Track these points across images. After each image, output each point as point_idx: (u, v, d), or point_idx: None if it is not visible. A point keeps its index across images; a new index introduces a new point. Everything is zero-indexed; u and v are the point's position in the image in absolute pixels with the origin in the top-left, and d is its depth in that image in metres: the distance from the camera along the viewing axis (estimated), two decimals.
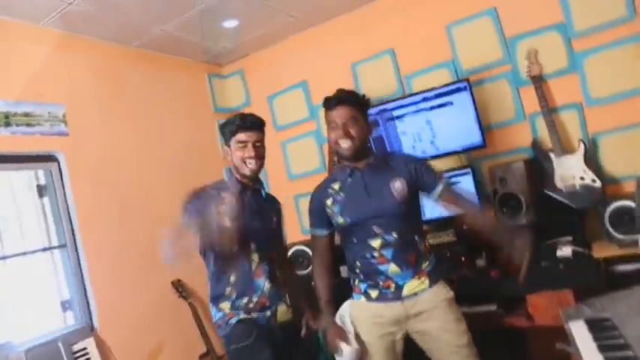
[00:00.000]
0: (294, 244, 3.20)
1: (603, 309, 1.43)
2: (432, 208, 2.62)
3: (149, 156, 3.19)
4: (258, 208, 2.11)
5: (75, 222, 2.70)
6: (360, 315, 1.99)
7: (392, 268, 1.91)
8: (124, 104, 3.09)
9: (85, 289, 2.70)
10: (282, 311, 2.08)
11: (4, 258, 2.53)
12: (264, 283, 2.04)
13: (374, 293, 1.95)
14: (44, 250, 2.68)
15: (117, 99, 3.05)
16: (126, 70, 3.17)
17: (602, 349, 1.22)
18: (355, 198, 1.96)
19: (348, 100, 1.94)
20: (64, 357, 2.41)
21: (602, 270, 2.33)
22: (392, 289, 1.92)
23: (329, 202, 2.02)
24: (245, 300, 2.01)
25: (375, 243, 1.92)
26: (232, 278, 2.01)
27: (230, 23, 3.21)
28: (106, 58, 3.05)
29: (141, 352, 2.84)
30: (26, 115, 2.54)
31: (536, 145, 2.77)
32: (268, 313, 2.04)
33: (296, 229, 3.58)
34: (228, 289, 2.01)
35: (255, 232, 2.04)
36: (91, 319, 2.69)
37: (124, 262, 2.87)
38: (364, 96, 2.03)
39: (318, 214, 2.07)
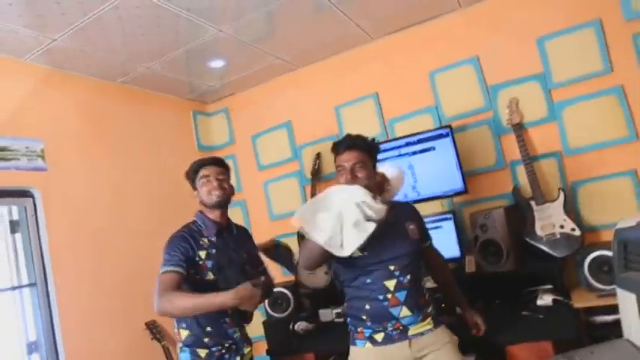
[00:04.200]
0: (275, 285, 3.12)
1: None
2: None
3: (129, 195, 3.12)
4: (236, 245, 2.17)
5: (47, 260, 2.61)
6: None
7: (404, 311, 1.90)
8: (105, 140, 3.05)
9: (53, 331, 2.58)
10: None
11: None
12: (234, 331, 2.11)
13: (379, 336, 1.91)
14: (13, 289, 2.57)
15: (98, 135, 3.01)
16: (109, 105, 3.14)
17: None
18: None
19: (356, 145, 1.94)
20: None
21: (582, 320, 2.31)
22: (398, 331, 1.90)
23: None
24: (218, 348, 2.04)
25: (391, 284, 1.90)
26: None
27: (216, 63, 3.22)
28: (88, 94, 3.02)
29: None
30: (2, 149, 2.49)
31: (516, 191, 2.78)
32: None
33: (277, 271, 3.50)
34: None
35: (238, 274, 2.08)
36: None
37: (97, 304, 2.76)
38: (373, 140, 2.02)
39: None
